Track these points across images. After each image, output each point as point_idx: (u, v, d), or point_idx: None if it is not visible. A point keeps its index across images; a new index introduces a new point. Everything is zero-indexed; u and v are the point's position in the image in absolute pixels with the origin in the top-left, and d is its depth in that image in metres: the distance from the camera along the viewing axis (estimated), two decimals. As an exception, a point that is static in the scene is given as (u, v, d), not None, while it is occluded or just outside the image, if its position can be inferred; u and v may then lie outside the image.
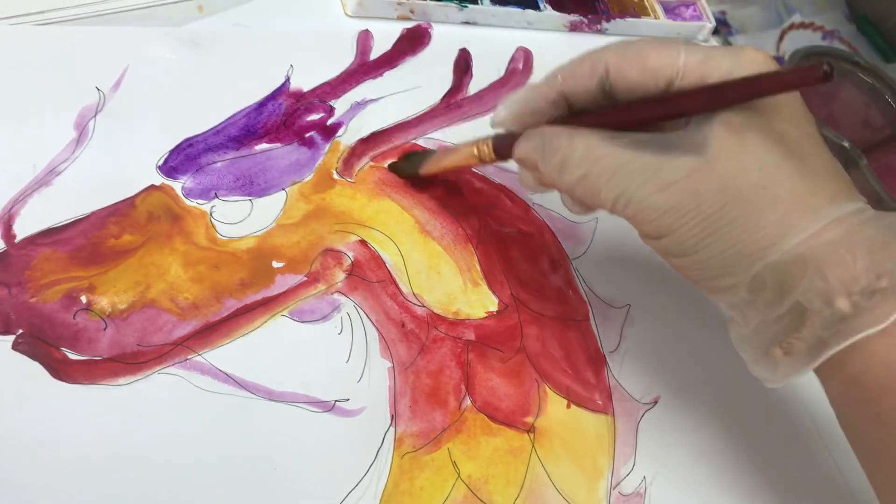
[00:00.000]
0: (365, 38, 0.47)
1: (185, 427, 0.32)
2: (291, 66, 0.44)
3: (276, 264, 0.37)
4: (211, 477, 0.31)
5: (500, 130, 0.34)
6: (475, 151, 0.36)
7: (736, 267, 0.28)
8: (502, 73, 0.49)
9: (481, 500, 0.34)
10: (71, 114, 0.38)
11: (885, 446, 0.27)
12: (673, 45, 0.29)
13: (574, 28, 0.54)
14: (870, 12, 0.77)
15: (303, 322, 0.36)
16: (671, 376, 0.40)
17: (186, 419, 0.32)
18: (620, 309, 0.42)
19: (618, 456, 0.37)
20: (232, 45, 0.44)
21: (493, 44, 0.50)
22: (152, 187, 0.37)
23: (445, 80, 0.47)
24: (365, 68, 0.46)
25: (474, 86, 0.48)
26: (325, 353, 0.35)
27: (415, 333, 0.37)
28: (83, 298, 0.33)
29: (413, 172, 0.41)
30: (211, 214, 0.37)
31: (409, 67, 0.47)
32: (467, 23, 0.51)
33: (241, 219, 0.38)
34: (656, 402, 0.39)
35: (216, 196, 0.38)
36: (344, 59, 0.46)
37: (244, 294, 0.36)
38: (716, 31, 0.62)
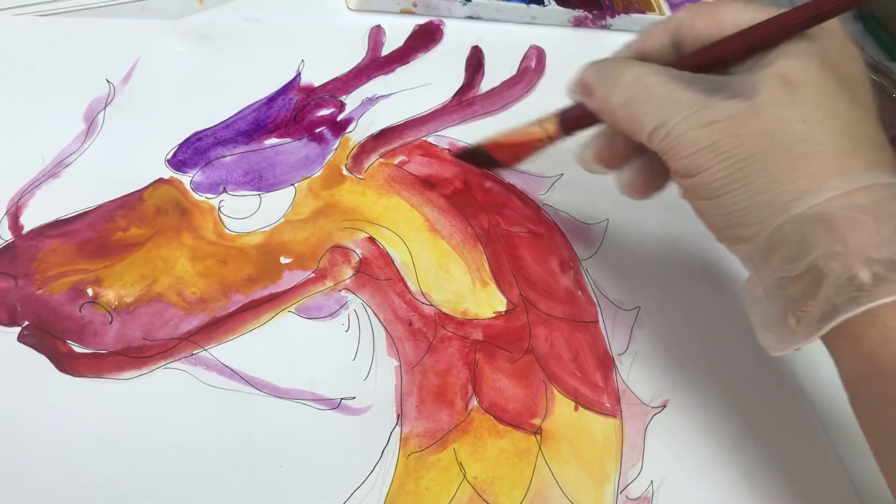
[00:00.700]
0: (377, 34, 0.47)
1: (190, 422, 0.32)
2: (302, 60, 0.44)
3: (283, 260, 0.37)
4: (215, 473, 0.31)
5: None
6: (539, 130, 0.35)
7: (759, 216, 0.27)
8: (515, 71, 0.49)
9: (487, 502, 0.33)
10: (80, 106, 0.38)
11: None
12: (738, 2, 0.30)
13: (578, 23, 0.54)
14: (876, 11, 0.76)
15: (310, 319, 0.36)
16: (680, 380, 0.40)
17: (191, 414, 0.32)
18: (630, 311, 0.41)
19: (625, 460, 0.37)
20: (243, 39, 0.44)
21: (506, 41, 0.50)
22: (161, 181, 0.37)
23: (457, 78, 0.47)
24: (376, 64, 0.46)
25: (486, 83, 0.47)
26: (331, 351, 0.35)
27: (422, 332, 0.37)
28: (89, 291, 0.33)
29: (481, 154, 0.40)
30: (219, 209, 0.37)
31: (421, 64, 0.47)
32: (471, 17, 0.50)
33: (249, 214, 0.38)
34: (665, 406, 0.39)
35: (225, 190, 0.38)
36: (355, 54, 0.46)
37: (251, 289, 0.35)
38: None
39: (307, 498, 0.32)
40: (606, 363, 0.39)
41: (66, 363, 0.31)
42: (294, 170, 0.40)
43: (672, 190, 0.45)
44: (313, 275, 0.37)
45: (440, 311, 0.38)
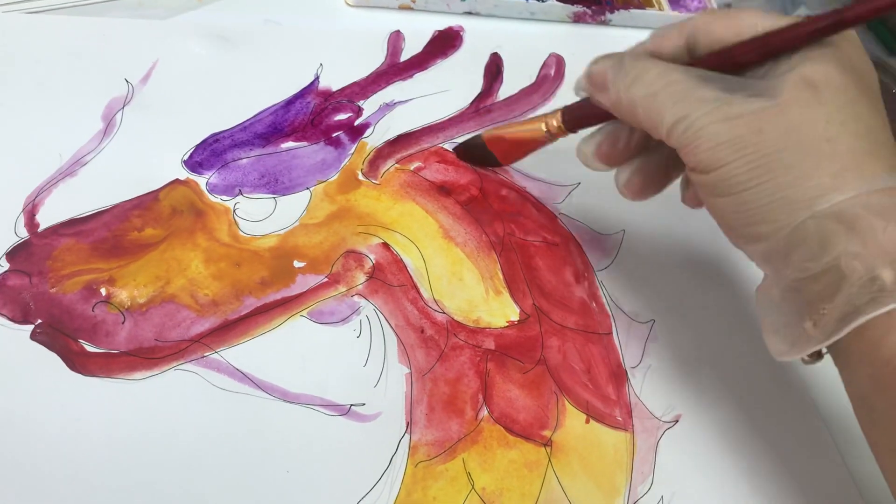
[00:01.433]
0: (396, 39, 0.47)
1: (199, 425, 0.32)
2: (321, 64, 0.44)
3: (297, 264, 0.37)
4: (222, 476, 0.31)
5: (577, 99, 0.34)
6: (543, 127, 0.35)
7: (780, 213, 0.27)
8: (534, 78, 0.49)
9: (495, 513, 0.33)
10: (99, 105, 0.38)
11: None
12: (756, 10, 0.30)
13: (578, 19, 0.53)
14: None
15: (321, 324, 0.36)
16: (694, 395, 0.39)
17: (200, 417, 0.32)
18: (644, 324, 0.41)
19: (635, 474, 0.36)
20: (262, 41, 0.44)
21: (525, 49, 0.50)
22: (177, 181, 0.37)
23: (475, 84, 0.47)
24: (395, 69, 0.45)
25: (504, 90, 0.47)
26: (342, 356, 0.35)
27: (434, 340, 0.37)
28: (103, 291, 0.33)
29: (478, 146, 0.40)
30: (234, 211, 0.37)
31: (439, 70, 0.47)
32: (469, 13, 0.50)
33: (264, 217, 0.38)
34: (677, 421, 0.38)
35: (240, 193, 0.38)
36: (374, 59, 0.45)
37: (264, 293, 0.35)
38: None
39: (314, 504, 0.31)
40: (619, 376, 0.39)
41: (78, 362, 0.31)
42: (310, 173, 0.40)
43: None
44: (326, 279, 0.37)
45: (452, 318, 0.38)
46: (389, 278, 0.38)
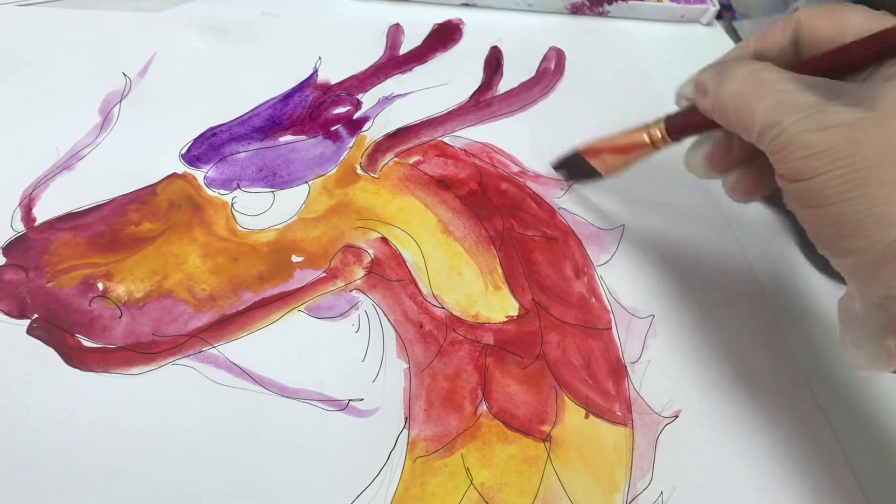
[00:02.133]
0: (395, 32, 0.46)
1: (197, 420, 0.32)
2: (320, 58, 0.43)
3: (295, 258, 0.36)
4: (220, 471, 0.31)
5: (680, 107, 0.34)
6: (645, 136, 0.35)
7: (872, 229, 0.26)
8: (533, 72, 0.48)
9: (493, 509, 0.33)
10: (96, 98, 0.38)
11: None
12: (862, 7, 0.29)
13: (575, 10, 0.53)
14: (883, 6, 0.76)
15: (319, 318, 0.35)
16: (694, 390, 0.39)
17: (198, 412, 0.32)
18: (644, 319, 0.41)
19: (635, 469, 0.36)
20: (260, 34, 0.43)
21: (525, 42, 0.50)
22: (174, 175, 0.37)
23: (475, 78, 0.47)
24: (394, 62, 0.45)
25: (504, 84, 0.47)
26: (340, 351, 0.35)
27: (433, 335, 0.37)
28: (100, 285, 0.33)
29: (577, 159, 0.40)
30: (232, 205, 0.37)
31: (439, 63, 0.46)
32: (467, 4, 0.50)
33: (262, 211, 0.37)
34: (677, 417, 0.38)
35: (238, 187, 0.38)
36: (373, 52, 0.45)
37: (262, 287, 0.35)
38: (719, 16, 0.61)
39: (312, 499, 0.31)
40: (619, 371, 0.38)
41: (75, 357, 0.31)
42: (308, 167, 0.39)
43: (689, 198, 0.44)
44: (324, 274, 0.36)
45: (451, 313, 0.37)
46: (388, 273, 0.38)
